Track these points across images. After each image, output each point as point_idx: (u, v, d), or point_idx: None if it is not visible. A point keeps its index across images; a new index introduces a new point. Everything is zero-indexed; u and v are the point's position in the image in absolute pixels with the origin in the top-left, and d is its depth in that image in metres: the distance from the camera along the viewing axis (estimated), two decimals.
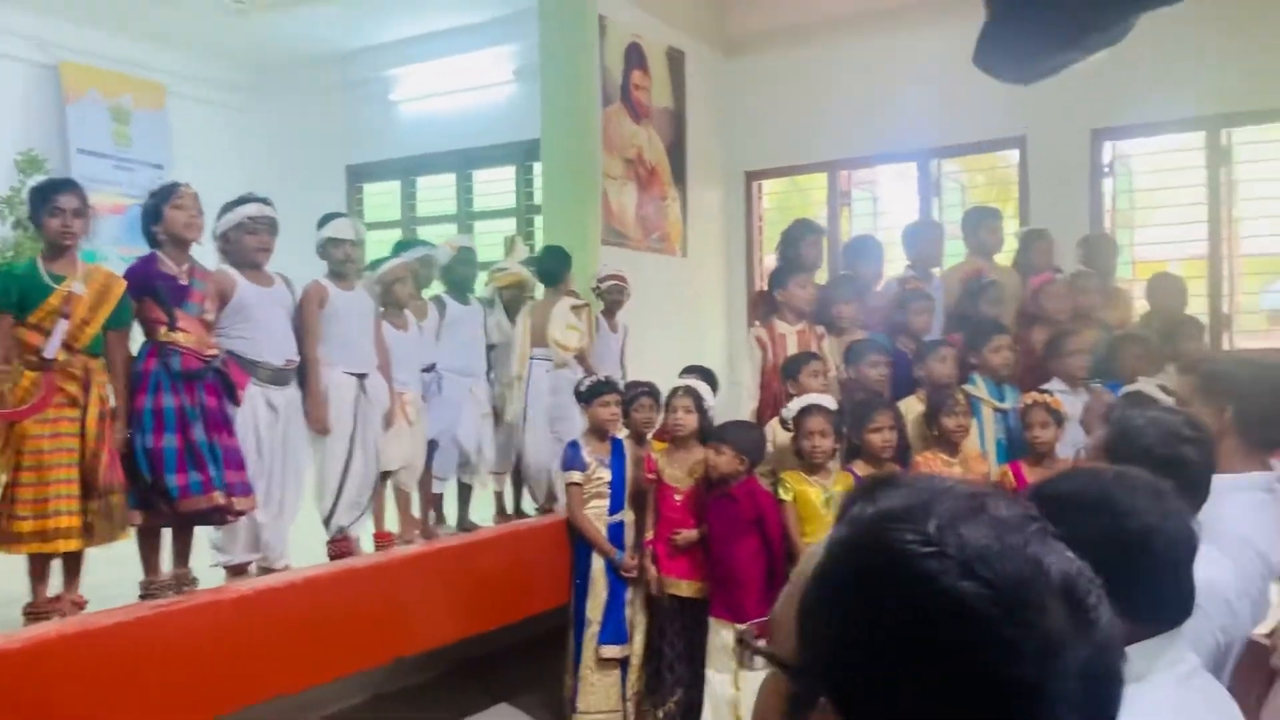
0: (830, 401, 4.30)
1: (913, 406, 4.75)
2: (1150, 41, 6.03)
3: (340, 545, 4.16)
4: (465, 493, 4.90)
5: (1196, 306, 5.83)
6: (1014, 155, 7.00)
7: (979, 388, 4.90)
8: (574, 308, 4.93)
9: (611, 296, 5.29)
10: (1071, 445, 4.63)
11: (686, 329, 7.02)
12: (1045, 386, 4.74)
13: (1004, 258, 5.83)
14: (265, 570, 3.87)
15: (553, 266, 5.15)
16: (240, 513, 3.59)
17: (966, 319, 5.20)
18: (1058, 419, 4.45)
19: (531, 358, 4.89)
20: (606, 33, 6.48)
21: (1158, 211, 6.96)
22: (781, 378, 4.65)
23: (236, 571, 3.83)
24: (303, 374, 3.98)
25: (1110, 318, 5.52)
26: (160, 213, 3.56)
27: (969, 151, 7.40)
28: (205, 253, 3.81)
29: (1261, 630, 2.20)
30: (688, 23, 7.30)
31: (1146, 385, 4.56)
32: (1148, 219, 6.96)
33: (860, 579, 0.73)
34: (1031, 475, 4.45)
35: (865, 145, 7.29)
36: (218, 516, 3.54)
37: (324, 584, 3.64)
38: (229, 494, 3.50)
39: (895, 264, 5.88)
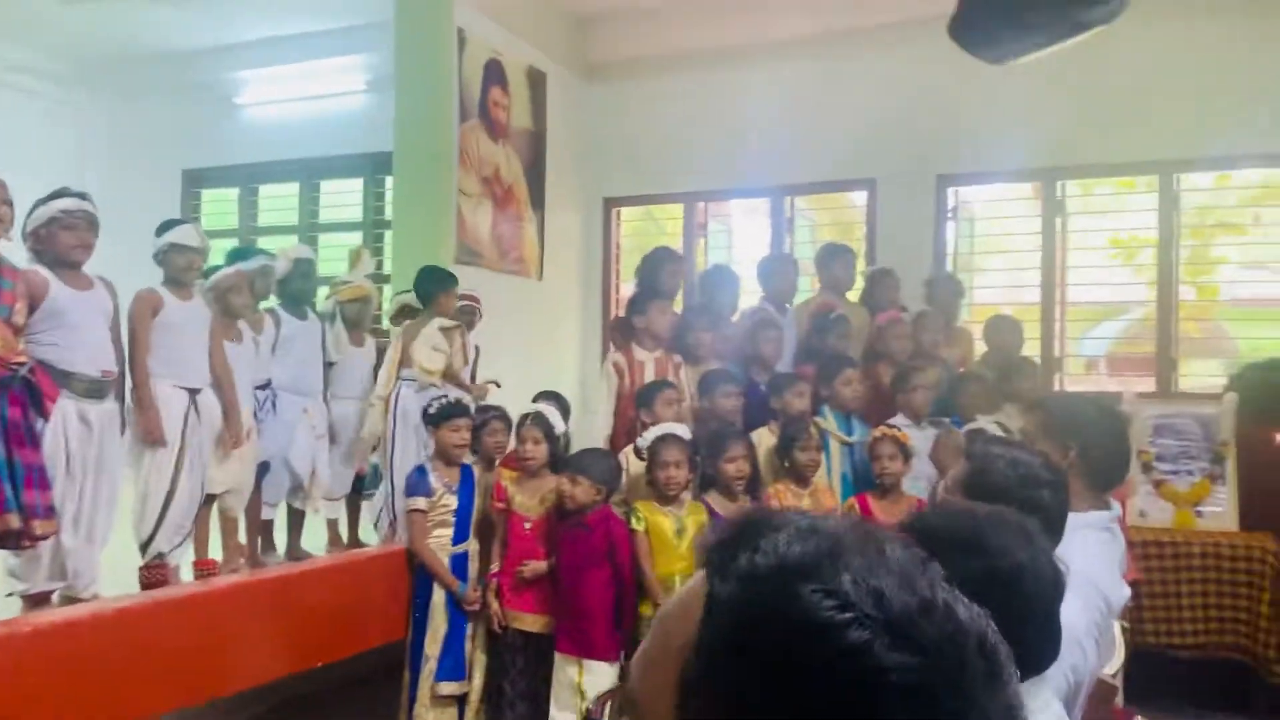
0: (685, 431, 4.24)
1: (764, 438, 4.75)
2: (995, 93, 6.38)
3: (156, 573, 3.85)
4: (296, 519, 4.64)
5: (1029, 350, 6.07)
6: (862, 196, 7.19)
7: (828, 421, 4.95)
8: (443, 329, 4.75)
9: (463, 317, 5.12)
10: (914, 480, 4.73)
11: (540, 353, 6.89)
12: (891, 422, 4.83)
13: (852, 294, 5.95)
14: (70, 600, 3.53)
15: (424, 287, 4.97)
16: (40, 537, 3.25)
17: (816, 352, 5.26)
18: (905, 453, 4.53)
19: (400, 379, 4.69)
20: (466, 47, 6.33)
21: (995, 257, 7.27)
22: (635, 405, 4.57)
23: (37, 601, 3.48)
24: (124, 387, 3.68)
25: (951, 356, 5.69)
26: None
27: (820, 190, 7.57)
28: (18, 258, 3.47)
29: (1108, 670, 2.24)
30: (549, 44, 7.22)
31: (985, 423, 4.71)
32: (986, 264, 7.26)
33: (770, 651, 0.61)
34: (878, 508, 4.51)
35: (722, 179, 7.36)
36: (13, 541, 3.20)
37: (135, 616, 3.32)
38: (28, 516, 3.16)
39: (749, 297, 5.92)
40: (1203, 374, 6.65)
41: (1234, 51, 5.99)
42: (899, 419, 4.90)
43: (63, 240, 3.48)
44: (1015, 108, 6.49)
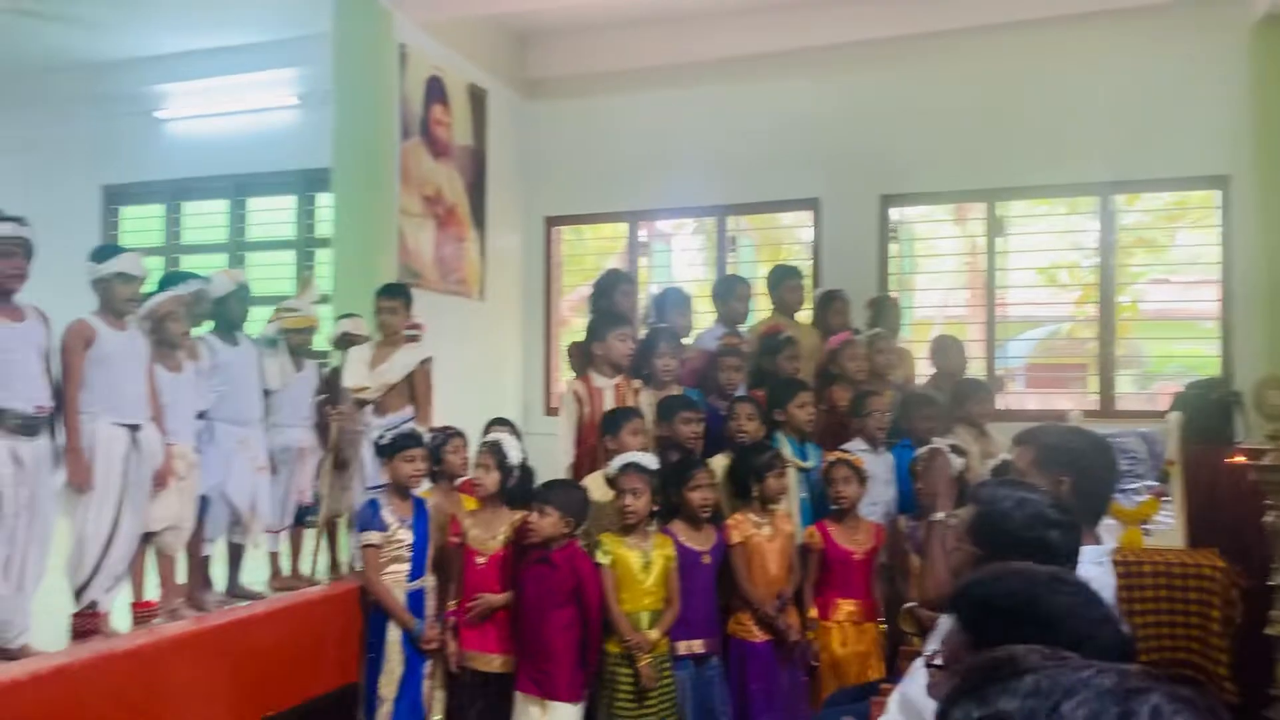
0: (650, 460, 4.12)
1: (720, 464, 4.65)
2: (936, 115, 6.43)
3: (89, 621, 3.60)
4: (235, 554, 4.41)
5: (972, 368, 6.11)
6: (807, 215, 7.18)
7: (783, 446, 4.87)
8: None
9: (409, 341, 4.95)
10: (871, 504, 4.69)
11: (482, 374, 6.73)
12: (846, 446, 4.78)
13: (803, 316, 5.91)
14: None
15: None
16: None
17: (767, 375, 5.18)
18: (861, 476, 4.48)
19: None
20: (407, 64, 6.17)
21: (933, 277, 7.33)
22: (600, 434, 4.44)
23: None
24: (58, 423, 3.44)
25: (897, 377, 5.68)
26: None
27: (764, 210, 7.56)
28: None
29: None
30: (489, 61, 7.09)
31: (940, 445, 4.68)
32: (924, 283, 7.31)
33: None
34: (837, 533, 4.45)
35: (664, 198, 7.29)
36: None
37: (78, 674, 3.08)
38: None
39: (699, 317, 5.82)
40: (1127, 390, 6.79)
41: (1162, 80, 6.15)
42: (855, 443, 4.86)
43: None
44: (956, 130, 6.56)
